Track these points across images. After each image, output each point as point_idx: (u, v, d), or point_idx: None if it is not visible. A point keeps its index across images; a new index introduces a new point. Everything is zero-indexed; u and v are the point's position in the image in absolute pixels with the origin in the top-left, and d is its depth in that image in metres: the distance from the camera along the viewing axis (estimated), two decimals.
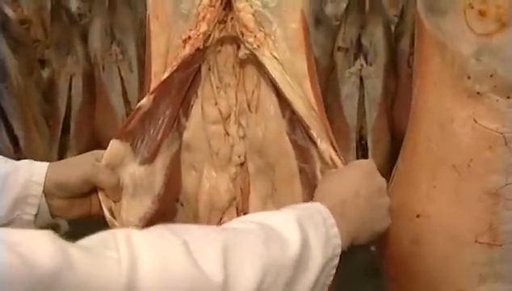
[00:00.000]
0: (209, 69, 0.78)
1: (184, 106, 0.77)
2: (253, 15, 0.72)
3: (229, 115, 0.79)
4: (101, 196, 0.75)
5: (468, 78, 0.65)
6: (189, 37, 0.73)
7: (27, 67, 1.80)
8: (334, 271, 0.59)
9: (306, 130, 0.73)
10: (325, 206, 0.61)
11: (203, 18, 0.73)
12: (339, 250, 0.59)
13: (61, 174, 0.74)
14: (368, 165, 0.69)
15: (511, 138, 0.65)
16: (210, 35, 0.74)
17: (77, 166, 0.75)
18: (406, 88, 1.67)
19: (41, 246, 0.41)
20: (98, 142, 1.80)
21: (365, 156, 1.65)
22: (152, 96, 0.74)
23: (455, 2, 0.62)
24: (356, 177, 0.66)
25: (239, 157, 0.79)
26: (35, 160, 1.61)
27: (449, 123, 0.69)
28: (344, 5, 1.67)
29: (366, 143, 1.64)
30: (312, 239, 0.56)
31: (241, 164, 0.80)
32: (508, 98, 0.63)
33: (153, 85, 0.75)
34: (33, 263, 0.39)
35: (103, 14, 1.75)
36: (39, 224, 0.73)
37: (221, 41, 0.77)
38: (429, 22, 0.69)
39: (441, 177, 0.70)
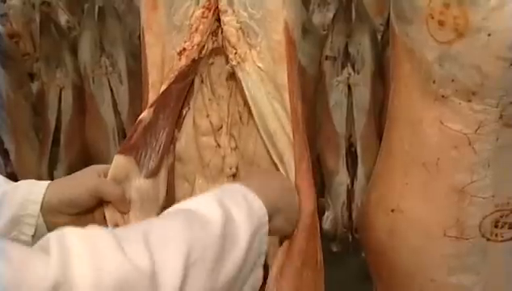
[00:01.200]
0: (202, 82, 0.81)
1: (180, 117, 0.80)
2: (238, 30, 0.75)
3: (221, 127, 0.81)
4: (107, 210, 0.76)
5: (434, 82, 0.72)
6: (184, 49, 0.76)
7: (17, 81, 1.85)
8: (266, 238, 0.63)
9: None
10: (243, 186, 0.65)
11: (196, 29, 0.76)
12: (266, 219, 0.63)
13: (66, 190, 0.75)
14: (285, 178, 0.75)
15: (474, 139, 0.72)
16: (204, 46, 0.78)
17: (82, 181, 0.75)
18: None
19: None
20: (88, 154, 1.85)
21: (355, 163, 1.71)
22: (152, 109, 0.76)
23: (418, 12, 0.69)
24: (276, 178, 0.74)
25: (230, 168, 0.82)
26: (25, 172, 1.66)
27: (419, 124, 0.76)
28: (331, 14, 1.74)
29: (355, 150, 1.70)
30: (236, 214, 0.60)
31: (233, 175, 0.82)
32: (469, 101, 0.70)
33: (151, 96, 0.77)
34: None
35: (93, 27, 1.80)
36: (35, 242, 0.72)
37: (214, 53, 0.79)
38: (399, 29, 0.76)
39: (412, 175, 0.77)
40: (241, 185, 0.65)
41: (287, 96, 0.74)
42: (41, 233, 0.73)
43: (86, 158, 1.85)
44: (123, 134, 1.81)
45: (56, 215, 0.74)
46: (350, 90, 1.69)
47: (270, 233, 0.65)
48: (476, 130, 0.72)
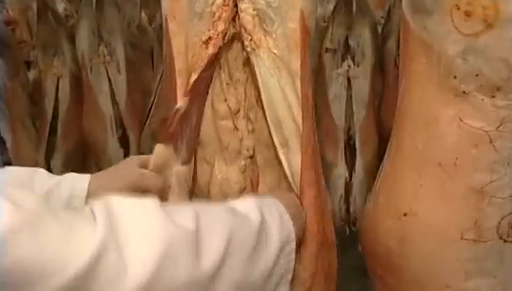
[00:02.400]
0: (220, 67, 0.81)
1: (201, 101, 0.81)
2: (254, 17, 0.75)
3: (238, 111, 0.82)
4: None
5: (455, 77, 0.66)
6: (209, 38, 0.76)
7: (13, 69, 1.79)
8: (294, 256, 0.65)
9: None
10: (280, 203, 0.68)
11: (219, 17, 0.76)
12: (293, 236, 0.65)
13: (109, 184, 0.75)
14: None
15: (496, 136, 0.67)
16: (226, 33, 0.77)
17: (124, 175, 0.77)
18: (393, 88, 1.68)
19: (24, 196, 0.45)
20: (85, 144, 1.79)
21: (353, 156, 1.66)
22: (187, 97, 0.77)
23: (441, 3, 0.63)
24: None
25: (247, 150, 0.83)
26: (22, 162, 1.60)
27: (434, 122, 0.70)
28: (331, 6, 1.68)
29: (354, 143, 1.66)
30: (269, 221, 0.62)
31: (251, 157, 0.83)
32: (493, 97, 0.65)
33: (180, 83, 0.77)
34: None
35: (91, 16, 1.74)
36: None
37: (231, 38, 0.79)
38: (414, 22, 0.70)
39: (427, 175, 0.72)
40: (275, 198, 0.68)
41: (299, 83, 0.75)
42: None
43: (83, 147, 1.80)
44: (120, 124, 1.77)
45: None
46: (349, 82, 1.64)
47: None
48: (498, 127, 0.66)
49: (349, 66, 1.63)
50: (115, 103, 1.76)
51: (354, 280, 1.30)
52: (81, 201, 0.74)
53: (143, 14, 1.95)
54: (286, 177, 0.78)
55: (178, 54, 0.77)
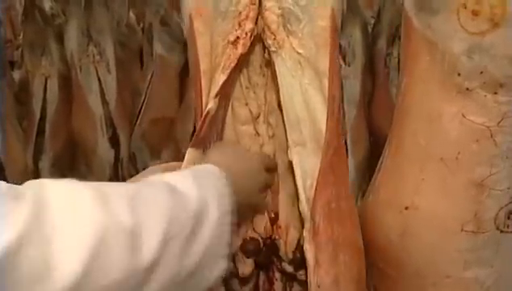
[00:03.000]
0: (239, 70, 0.80)
1: (225, 100, 0.80)
2: (279, 16, 0.74)
3: (259, 115, 0.81)
4: None
5: (459, 74, 0.69)
6: (237, 37, 0.74)
7: (1, 69, 1.78)
8: (228, 227, 0.63)
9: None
10: (217, 168, 0.66)
11: (247, 16, 0.74)
12: (230, 208, 0.64)
13: None
14: (255, 162, 0.77)
15: (496, 131, 0.69)
16: (253, 33, 0.76)
17: None
18: (383, 87, 1.73)
19: None
20: (74, 144, 1.79)
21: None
22: (217, 99, 0.76)
23: (448, 2, 0.66)
24: (238, 149, 0.76)
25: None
26: (11, 162, 1.59)
27: (437, 118, 0.72)
28: None
29: (345, 142, 1.68)
30: (209, 197, 0.61)
31: None
32: (495, 93, 0.67)
33: (204, 84, 0.76)
34: None
35: (79, 15, 1.74)
36: None
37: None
38: (419, 21, 0.72)
39: (429, 170, 0.74)
40: (215, 167, 0.66)
41: (326, 83, 0.74)
42: None
43: (72, 147, 1.80)
44: (110, 123, 1.77)
45: None
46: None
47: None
48: (499, 122, 0.69)
49: (340, 66, 1.66)
50: (105, 102, 1.76)
51: None
52: None
53: (131, 14, 1.95)
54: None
55: (203, 54, 0.76)
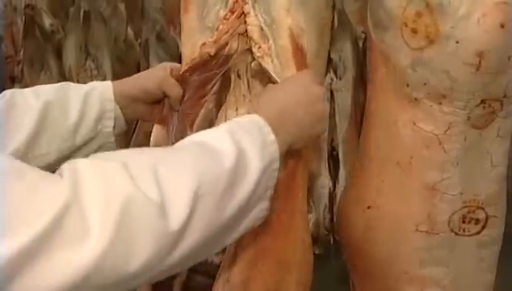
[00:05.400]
0: (239, 77, 0.85)
1: (217, 107, 0.86)
2: (260, 29, 0.80)
3: None
4: (165, 105, 0.87)
5: (407, 85, 0.78)
6: (204, 44, 0.82)
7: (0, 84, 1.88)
8: (276, 173, 0.66)
9: None
10: (260, 116, 0.67)
11: (217, 28, 0.82)
12: (277, 155, 0.66)
13: (136, 83, 0.87)
14: (305, 75, 0.76)
15: (444, 139, 0.78)
16: (227, 45, 0.82)
17: (152, 75, 0.88)
18: None
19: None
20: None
21: (336, 166, 1.77)
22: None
23: (394, 20, 0.75)
24: (293, 87, 0.74)
25: None
26: None
27: (394, 125, 0.82)
28: None
29: (337, 154, 1.77)
30: (248, 147, 0.63)
31: None
32: (440, 104, 0.77)
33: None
34: None
35: (78, 31, 1.85)
36: (116, 132, 0.87)
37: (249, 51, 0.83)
38: (375, 36, 0.82)
39: (387, 173, 0.83)
40: (258, 116, 0.68)
41: None
42: (121, 123, 0.87)
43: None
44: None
45: (133, 104, 0.87)
46: (332, 95, 1.75)
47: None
48: (446, 131, 0.78)
49: (332, 80, 1.75)
50: None
51: (339, 288, 1.38)
52: (111, 103, 0.85)
53: (129, 30, 2.06)
54: None
55: (183, 65, 0.85)
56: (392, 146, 0.83)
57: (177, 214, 0.55)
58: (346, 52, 1.76)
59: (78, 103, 0.83)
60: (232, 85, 0.86)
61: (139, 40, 2.03)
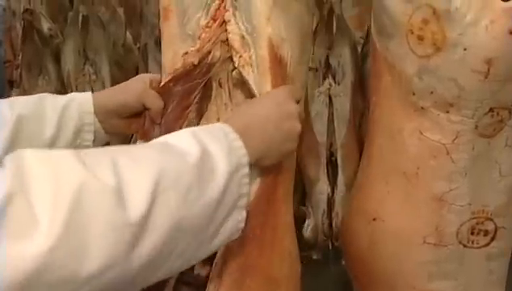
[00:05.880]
0: (220, 86, 0.83)
1: (198, 117, 0.83)
2: (241, 37, 0.79)
3: None
4: (146, 118, 0.82)
5: (413, 94, 0.75)
6: (186, 53, 0.80)
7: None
8: (247, 180, 0.63)
9: None
10: (227, 125, 0.66)
11: (199, 37, 0.80)
12: (246, 160, 0.63)
13: (115, 96, 0.84)
14: (281, 92, 0.74)
15: (452, 148, 0.75)
16: (209, 53, 0.80)
17: (130, 88, 0.84)
18: None
19: None
20: None
21: (335, 172, 1.74)
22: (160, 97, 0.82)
23: (399, 27, 0.72)
24: (267, 103, 0.72)
25: None
26: None
27: (399, 134, 0.79)
28: (312, 27, 1.78)
29: (336, 159, 1.74)
30: (213, 150, 0.60)
31: None
32: (447, 112, 0.74)
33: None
34: None
35: (76, 36, 1.82)
36: (95, 145, 0.83)
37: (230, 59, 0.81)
38: (379, 44, 0.79)
39: (393, 183, 0.80)
40: (224, 124, 0.66)
41: None
42: (101, 136, 0.84)
43: None
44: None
45: (110, 118, 0.83)
46: (330, 100, 1.72)
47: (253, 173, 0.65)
48: (454, 140, 0.75)
49: (330, 85, 1.72)
50: None
51: None
52: (90, 115, 0.81)
53: (128, 34, 2.03)
54: None
55: (164, 72, 0.82)
56: (397, 156, 0.80)
57: (136, 205, 0.51)
58: (344, 57, 1.73)
59: (55, 115, 0.79)
60: (213, 94, 0.83)
61: (138, 45, 2.00)
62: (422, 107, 0.75)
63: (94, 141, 0.83)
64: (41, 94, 0.83)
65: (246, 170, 0.63)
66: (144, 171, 0.53)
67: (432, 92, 0.73)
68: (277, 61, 0.76)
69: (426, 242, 0.79)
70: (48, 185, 0.47)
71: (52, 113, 0.79)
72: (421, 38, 0.70)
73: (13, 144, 0.74)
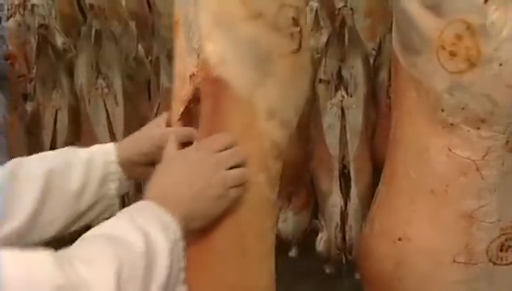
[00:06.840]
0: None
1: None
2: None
3: None
4: None
5: (442, 110, 0.72)
6: (193, 74, 0.77)
7: (12, 102, 1.83)
8: (184, 253, 0.64)
9: None
10: (150, 200, 0.66)
11: (198, 55, 0.76)
12: (179, 233, 0.64)
13: (136, 145, 0.83)
14: (192, 154, 0.73)
15: (482, 165, 0.72)
16: None
17: (147, 138, 0.83)
18: (386, 117, 1.75)
19: None
20: None
21: (348, 184, 1.71)
22: (180, 122, 0.80)
23: (429, 43, 0.69)
24: (176, 167, 0.72)
25: None
26: None
27: (425, 151, 0.75)
28: (324, 38, 1.75)
29: (348, 172, 1.70)
30: (153, 232, 0.61)
31: None
32: (478, 129, 0.70)
33: (175, 108, 0.81)
34: None
35: (89, 49, 1.80)
36: (120, 193, 0.83)
37: None
38: (404, 60, 0.76)
39: (420, 202, 0.77)
40: (148, 201, 0.66)
41: None
42: (124, 186, 0.83)
43: None
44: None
45: (133, 167, 0.83)
46: (343, 112, 1.69)
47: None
48: (484, 156, 0.72)
49: (342, 97, 1.69)
50: (112, 134, 1.80)
51: None
52: (114, 165, 0.81)
53: (140, 47, 2.01)
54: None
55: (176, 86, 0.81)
56: (424, 174, 0.76)
57: None
58: (356, 69, 1.70)
59: (81, 167, 0.79)
60: None
61: (149, 58, 1.99)
62: (452, 124, 0.72)
63: (118, 189, 0.83)
64: (67, 148, 0.84)
65: (182, 243, 0.64)
66: (104, 267, 0.55)
67: (463, 108, 0.70)
68: (208, 82, 0.74)
69: (456, 261, 0.75)
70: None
71: (78, 165, 0.79)
72: (453, 54, 0.67)
73: (44, 198, 0.74)
